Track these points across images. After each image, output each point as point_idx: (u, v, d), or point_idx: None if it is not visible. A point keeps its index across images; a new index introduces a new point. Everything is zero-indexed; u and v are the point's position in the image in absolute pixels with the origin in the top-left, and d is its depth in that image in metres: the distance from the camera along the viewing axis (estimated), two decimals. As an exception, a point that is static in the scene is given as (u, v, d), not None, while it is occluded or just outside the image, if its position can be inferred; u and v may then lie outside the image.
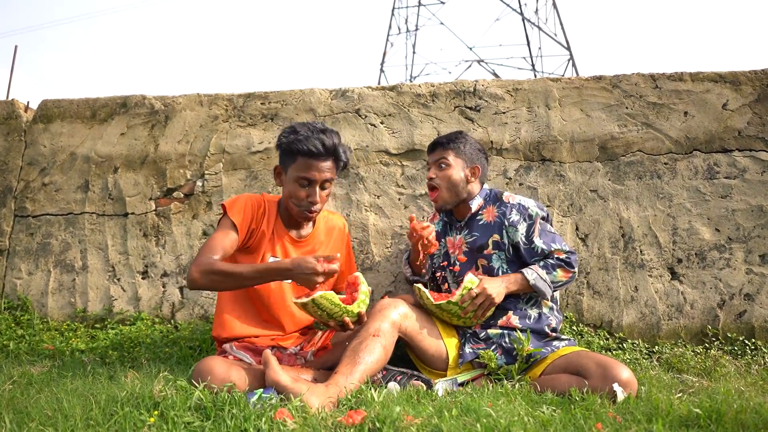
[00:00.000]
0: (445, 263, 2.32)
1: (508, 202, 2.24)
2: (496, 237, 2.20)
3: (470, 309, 2.03)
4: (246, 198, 2.13)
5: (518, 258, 2.19)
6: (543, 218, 2.20)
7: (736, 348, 2.53)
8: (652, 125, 2.72)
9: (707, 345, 2.55)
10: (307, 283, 1.83)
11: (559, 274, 2.13)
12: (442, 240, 2.36)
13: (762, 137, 2.66)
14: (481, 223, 2.25)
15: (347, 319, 1.88)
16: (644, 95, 2.74)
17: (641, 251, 2.67)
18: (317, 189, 2.06)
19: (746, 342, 2.54)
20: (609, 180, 2.72)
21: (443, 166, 2.25)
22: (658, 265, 2.66)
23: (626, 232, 2.69)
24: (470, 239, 2.25)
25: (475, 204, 2.27)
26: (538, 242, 2.15)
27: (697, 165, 2.68)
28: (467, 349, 2.11)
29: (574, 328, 2.60)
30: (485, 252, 2.20)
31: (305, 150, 2.01)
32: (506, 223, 2.19)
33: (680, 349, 2.49)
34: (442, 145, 2.28)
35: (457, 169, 2.24)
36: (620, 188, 2.71)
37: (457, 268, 2.26)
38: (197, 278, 1.88)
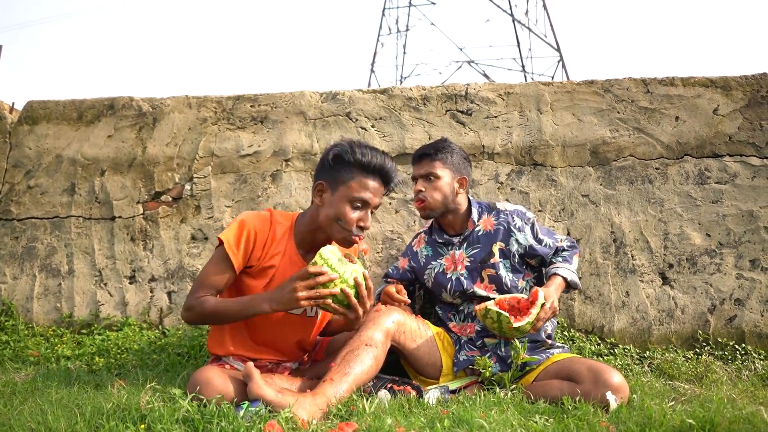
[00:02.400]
0: (456, 288, 2.20)
1: (505, 210, 2.23)
2: (501, 245, 2.17)
3: (539, 325, 1.97)
4: (245, 227, 1.87)
5: (521, 265, 2.19)
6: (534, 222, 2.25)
7: (726, 353, 2.53)
8: (643, 130, 2.72)
9: (698, 350, 2.55)
10: (289, 299, 1.71)
11: (576, 261, 2.24)
12: (434, 263, 2.26)
13: (752, 142, 2.67)
14: (480, 234, 2.21)
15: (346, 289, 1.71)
16: (636, 100, 2.74)
17: (633, 256, 2.67)
18: (369, 213, 1.85)
19: (737, 347, 2.54)
20: (600, 185, 2.72)
21: (431, 179, 2.16)
22: (649, 270, 2.66)
23: (618, 237, 2.69)
24: (473, 252, 2.19)
25: (476, 216, 2.23)
26: (548, 240, 2.21)
27: (688, 170, 2.68)
28: (462, 356, 2.09)
29: (566, 333, 2.60)
30: (491, 261, 2.16)
31: (375, 166, 1.83)
32: (513, 230, 2.17)
33: (671, 355, 2.49)
34: (429, 156, 2.18)
35: (445, 181, 2.17)
36: (612, 193, 2.71)
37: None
38: (188, 318, 1.83)
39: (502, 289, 2.15)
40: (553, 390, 1.86)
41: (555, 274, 2.13)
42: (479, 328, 2.14)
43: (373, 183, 1.83)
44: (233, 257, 1.83)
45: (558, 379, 1.91)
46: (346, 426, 1.43)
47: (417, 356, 2.04)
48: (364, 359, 1.79)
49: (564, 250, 2.23)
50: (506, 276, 2.15)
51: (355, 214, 1.82)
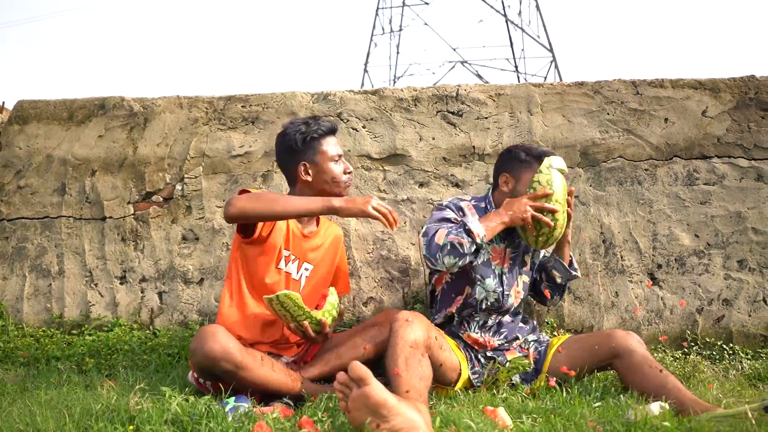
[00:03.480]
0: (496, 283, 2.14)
1: None
2: (528, 256, 2.25)
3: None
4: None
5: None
6: None
7: (714, 353, 2.56)
8: (633, 131, 2.74)
9: (686, 350, 2.58)
10: (362, 209, 1.88)
11: None
12: (485, 247, 2.12)
13: (741, 144, 2.69)
14: (518, 239, 2.18)
15: (306, 323, 1.90)
16: (625, 101, 2.75)
17: (622, 257, 2.69)
18: (341, 161, 2.18)
19: (724, 347, 2.57)
20: (590, 186, 2.74)
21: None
22: (638, 270, 2.68)
23: (607, 237, 2.71)
24: (513, 254, 2.19)
25: None
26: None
27: (677, 171, 2.71)
28: (480, 369, 2.11)
29: (555, 333, 2.61)
30: (525, 268, 2.22)
31: (326, 130, 2.15)
32: None
33: (660, 354, 2.51)
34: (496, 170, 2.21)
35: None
36: (601, 194, 2.72)
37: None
38: (233, 204, 1.91)
39: (524, 296, 2.23)
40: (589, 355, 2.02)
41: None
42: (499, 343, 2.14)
43: (331, 139, 2.18)
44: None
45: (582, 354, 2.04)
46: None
47: (440, 361, 1.94)
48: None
49: None
50: (524, 288, 2.22)
51: (340, 167, 2.16)
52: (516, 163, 2.12)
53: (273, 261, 2.10)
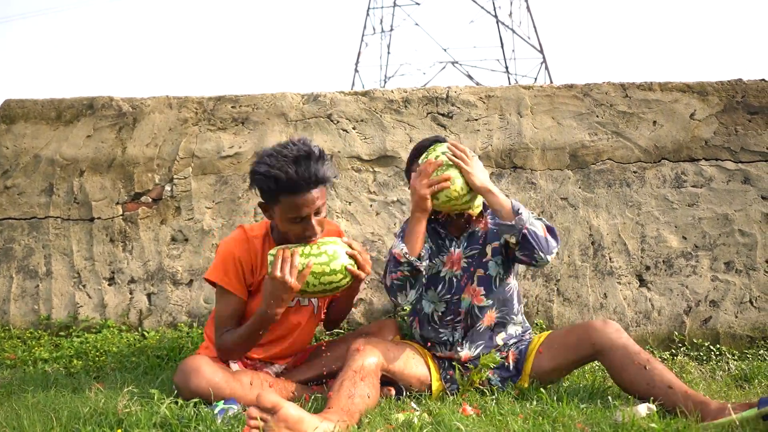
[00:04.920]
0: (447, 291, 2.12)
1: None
2: (496, 244, 2.09)
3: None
4: (227, 256, 1.96)
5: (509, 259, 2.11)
6: None
7: (701, 354, 2.58)
8: (621, 134, 2.76)
9: (674, 351, 2.60)
10: (283, 296, 1.78)
11: (532, 219, 1.97)
12: (433, 262, 2.11)
13: (728, 147, 2.71)
14: (479, 234, 2.12)
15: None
16: (614, 104, 2.77)
17: (610, 258, 2.71)
18: (312, 221, 1.84)
19: (711, 348, 2.59)
20: (579, 188, 2.75)
21: None
22: (626, 272, 2.70)
23: (596, 239, 2.72)
24: (471, 252, 2.10)
25: (488, 217, 2.14)
26: None
27: (665, 174, 2.73)
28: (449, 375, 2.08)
29: (545, 334, 2.62)
30: (483, 260, 2.09)
31: (286, 190, 1.78)
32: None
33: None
34: None
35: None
36: (590, 196, 2.74)
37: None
38: (225, 357, 1.91)
39: (490, 289, 2.08)
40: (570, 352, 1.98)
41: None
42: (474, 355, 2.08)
43: (302, 197, 1.79)
44: (230, 287, 1.93)
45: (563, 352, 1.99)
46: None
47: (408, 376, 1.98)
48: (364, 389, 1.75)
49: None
50: (497, 275, 2.07)
51: (298, 228, 1.84)
52: (413, 160, 2.13)
53: None
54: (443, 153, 1.98)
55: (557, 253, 2.67)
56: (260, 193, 1.87)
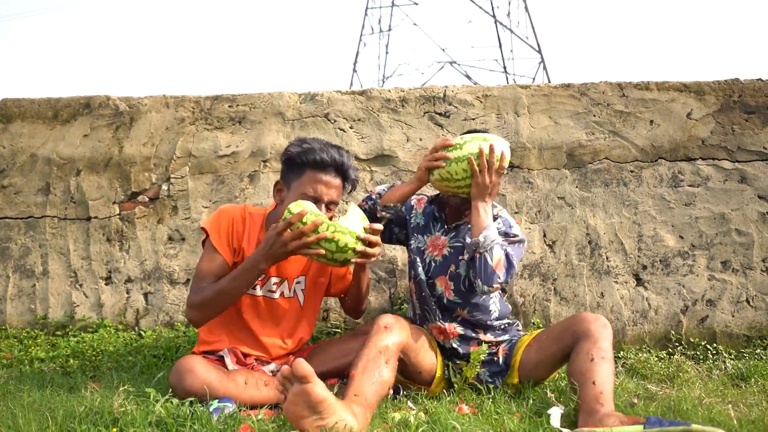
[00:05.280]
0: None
1: (500, 215, 2.12)
2: None
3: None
4: (224, 214, 1.98)
5: None
6: (519, 242, 2.05)
7: (698, 353, 2.58)
8: (618, 133, 2.76)
9: (671, 350, 2.60)
10: (283, 253, 1.75)
11: (498, 253, 1.90)
12: (420, 237, 2.16)
13: (724, 146, 2.72)
14: (466, 231, 2.09)
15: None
16: (611, 104, 2.77)
17: (607, 258, 2.71)
18: (323, 209, 1.86)
19: (708, 347, 2.60)
20: (576, 187, 2.75)
21: None
22: (623, 271, 2.70)
23: (593, 238, 2.72)
24: (455, 244, 2.09)
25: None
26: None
27: (662, 173, 2.73)
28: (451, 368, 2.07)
29: (542, 334, 2.62)
30: (459, 258, 2.07)
31: (316, 161, 1.86)
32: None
33: (644, 355, 2.53)
34: None
35: None
36: (587, 195, 2.74)
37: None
38: (194, 316, 1.86)
39: (459, 289, 2.06)
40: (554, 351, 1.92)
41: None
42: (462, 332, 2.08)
43: (325, 177, 1.88)
44: (219, 248, 1.91)
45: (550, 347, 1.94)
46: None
47: (417, 362, 1.96)
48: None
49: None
50: (466, 276, 2.04)
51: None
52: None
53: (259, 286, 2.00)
54: (469, 141, 1.97)
55: (555, 252, 2.68)
56: (288, 165, 1.93)
